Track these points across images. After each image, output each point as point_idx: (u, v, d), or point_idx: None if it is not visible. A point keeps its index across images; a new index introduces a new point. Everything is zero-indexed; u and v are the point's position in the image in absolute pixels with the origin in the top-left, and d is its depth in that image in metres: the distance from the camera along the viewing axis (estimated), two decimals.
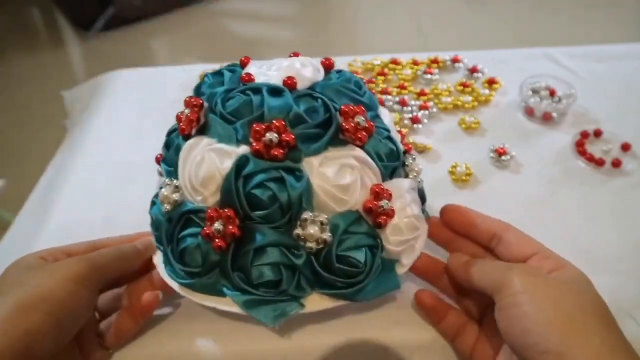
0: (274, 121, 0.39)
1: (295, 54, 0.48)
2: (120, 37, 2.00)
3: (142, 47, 1.99)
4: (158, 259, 0.46)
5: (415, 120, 0.69)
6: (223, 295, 0.42)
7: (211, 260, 0.41)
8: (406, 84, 0.76)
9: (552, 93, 0.71)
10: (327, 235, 0.39)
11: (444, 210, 0.48)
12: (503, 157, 0.63)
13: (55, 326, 0.37)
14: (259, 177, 0.39)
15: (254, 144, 0.39)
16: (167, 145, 0.46)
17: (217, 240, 0.40)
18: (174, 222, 0.42)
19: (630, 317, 0.47)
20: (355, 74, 0.48)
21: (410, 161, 0.48)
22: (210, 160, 0.40)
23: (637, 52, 0.81)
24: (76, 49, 2.05)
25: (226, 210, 0.40)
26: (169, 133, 0.47)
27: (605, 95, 0.73)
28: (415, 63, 0.80)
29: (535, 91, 0.71)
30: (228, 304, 0.41)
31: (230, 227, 0.39)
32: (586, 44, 0.83)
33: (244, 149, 0.40)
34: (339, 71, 0.47)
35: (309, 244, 0.40)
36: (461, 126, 0.69)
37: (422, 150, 0.65)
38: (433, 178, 0.61)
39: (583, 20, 2.02)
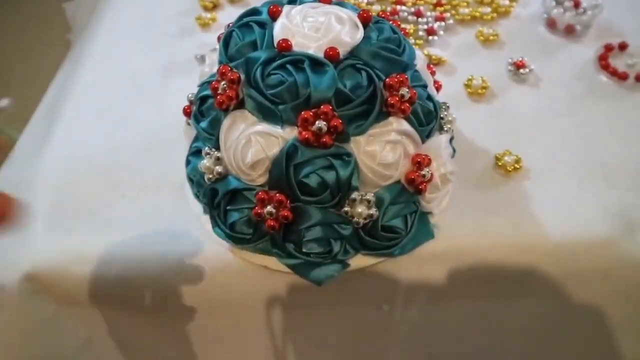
0: (322, 107, 0.38)
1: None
2: None
3: None
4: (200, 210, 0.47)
5: (430, 32, 0.66)
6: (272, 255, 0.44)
7: (262, 231, 0.43)
8: None
9: (576, 4, 0.67)
10: (373, 211, 0.41)
11: None
12: (521, 71, 0.60)
13: None
14: (309, 167, 0.40)
15: (303, 133, 0.39)
16: (201, 111, 0.45)
17: (269, 221, 0.41)
18: (220, 195, 0.43)
19: None
20: (395, 24, 0.45)
21: (445, 113, 0.48)
22: (257, 145, 0.40)
23: None
24: None
25: (277, 194, 0.40)
26: (201, 99, 0.44)
27: (632, 7, 0.69)
28: None
29: (558, 2, 0.67)
30: (278, 264, 0.44)
31: (282, 210, 0.40)
32: None
33: (290, 132, 0.40)
34: (376, 22, 0.44)
35: (357, 219, 0.41)
36: (479, 39, 0.66)
37: (437, 62, 0.62)
38: (448, 91, 0.58)
39: None
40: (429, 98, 0.45)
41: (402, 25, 0.67)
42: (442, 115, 0.47)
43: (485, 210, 0.48)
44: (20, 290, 0.46)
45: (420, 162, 0.42)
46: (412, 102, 0.41)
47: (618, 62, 0.62)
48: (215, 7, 0.72)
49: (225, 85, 0.41)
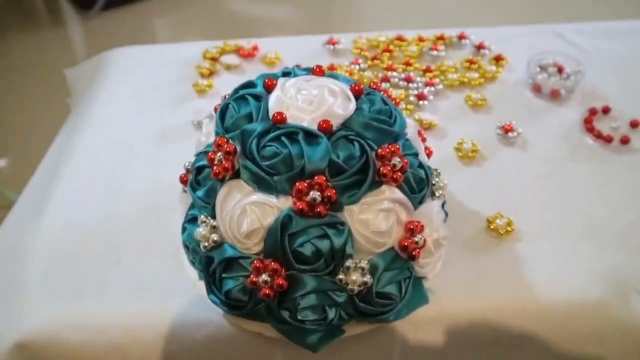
0: (315, 177, 0.40)
1: (319, 70, 0.46)
2: (121, 17, 1.98)
3: (143, 26, 1.96)
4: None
5: (420, 97, 0.68)
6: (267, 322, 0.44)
7: (257, 298, 0.43)
8: (412, 60, 0.75)
9: (559, 70, 0.70)
10: (367, 278, 0.41)
11: None
12: (510, 134, 0.62)
13: None
14: (304, 236, 0.41)
15: (297, 203, 0.40)
16: (197, 180, 0.46)
17: (264, 289, 0.41)
18: (215, 263, 0.43)
19: (635, 290, 0.47)
20: (386, 95, 0.47)
21: (437, 179, 0.49)
22: (252, 215, 0.41)
23: None
24: (77, 28, 2.03)
25: (272, 263, 0.41)
26: (198, 169, 0.46)
27: (614, 72, 0.72)
28: (421, 40, 0.79)
29: (542, 68, 0.70)
30: (272, 331, 0.44)
31: (277, 279, 0.41)
32: (594, 20, 0.82)
33: (284, 202, 0.41)
34: (367, 93, 0.46)
35: (351, 287, 0.41)
36: (468, 103, 0.68)
37: (427, 127, 0.64)
38: (439, 155, 0.60)
39: None
40: (421, 165, 0.46)
41: (393, 91, 0.69)
42: (433, 182, 0.48)
43: (478, 274, 0.49)
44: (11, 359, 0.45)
45: (412, 229, 0.43)
46: (404, 171, 0.42)
47: (602, 125, 0.64)
48: (211, 74, 0.75)
49: (221, 157, 0.42)
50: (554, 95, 0.68)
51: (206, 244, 0.44)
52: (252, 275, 0.41)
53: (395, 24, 0.88)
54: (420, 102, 0.67)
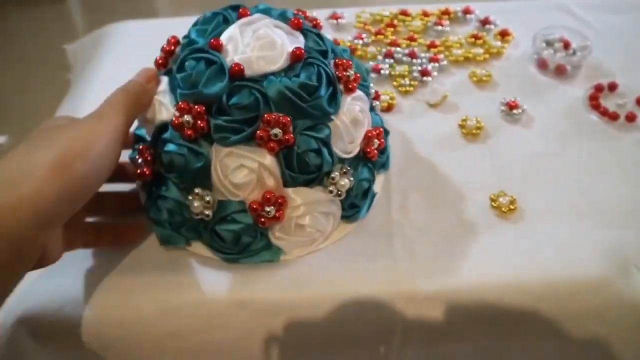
0: (195, 106, 0.43)
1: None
2: None
3: (144, 0, 1.94)
4: None
5: (424, 73, 0.67)
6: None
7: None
8: (416, 35, 0.73)
9: (566, 45, 0.69)
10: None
11: None
12: (514, 111, 0.61)
13: (95, 179, 0.39)
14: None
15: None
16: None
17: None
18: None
19: (637, 268, 0.47)
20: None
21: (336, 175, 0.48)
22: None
23: None
24: (77, 2, 2.01)
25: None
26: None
27: (621, 48, 0.71)
28: (425, 14, 0.77)
29: (548, 43, 0.69)
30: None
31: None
32: None
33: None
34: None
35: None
36: (472, 79, 0.67)
37: (432, 105, 0.64)
38: (442, 131, 0.60)
39: None
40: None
41: (397, 67, 0.68)
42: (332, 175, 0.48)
43: (480, 251, 0.49)
44: (14, 334, 0.45)
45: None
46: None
47: (608, 102, 0.63)
48: None
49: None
50: (560, 71, 0.67)
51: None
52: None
53: None
54: (424, 78, 0.66)
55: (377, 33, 0.74)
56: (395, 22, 0.76)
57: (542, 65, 0.68)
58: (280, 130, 0.42)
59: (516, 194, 0.52)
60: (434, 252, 0.49)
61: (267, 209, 0.44)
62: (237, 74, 0.43)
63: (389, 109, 0.63)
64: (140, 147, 0.47)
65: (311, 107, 0.44)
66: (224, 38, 0.46)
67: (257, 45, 0.45)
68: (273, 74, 0.44)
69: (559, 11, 0.77)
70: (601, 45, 0.69)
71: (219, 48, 0.45)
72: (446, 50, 0.71)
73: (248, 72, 0.44)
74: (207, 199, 0.44)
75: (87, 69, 0.73)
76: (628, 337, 0.47)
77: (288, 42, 0.45)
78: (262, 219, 0.44)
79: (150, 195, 0.48)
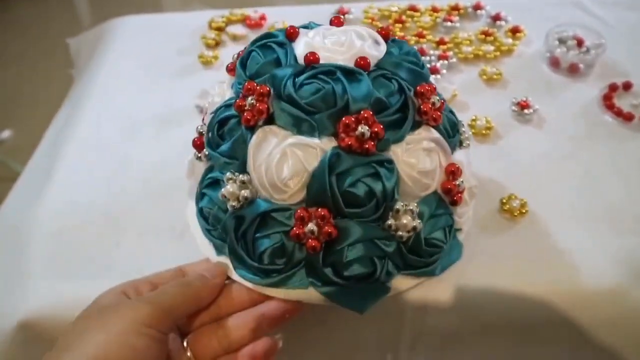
0: (362, 112, 0.37)
1: (337, 21, 0.44)
2: None
3: None
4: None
5: (433, 71, 0.65)
6: (304, 287, 0.40)
7: (297, 259, 0.39)
8: (425, 32, 0.72)
9: (579, 43, 0.67)
10: (417, 223, 0.39)
11: None
12: (526, 111, 0.60)
13: None
14: (355, 175, 0.38)
15: (346, 139, 0.37)
16: (220, 134, 0.42)
17: (310, 240, 0.38)
18: (247, 222, 0.39)
19: None
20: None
21: (463, 129, 0.47)
22: (294, 157, 0.38)
23: None
24: None
25: (319, 209, 0.37)
26: (220, 122, 0.42)
27: (637, 46, 0.69)
28: (434, 10, 0.76)
29: (561, 41, 0.67)
30: (313, 295, 0.40)
31: (326, 226, 0.38)
32: None
33: (327, 143, 0.38)
34: (393, 40, 0.44)
35: (401, 233, 0.39)
36: (482, 77, 0.66)
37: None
38: None
39: None
40: (450, 111, 0.45)
41: None
42: (460, 131, 0.46)
43: (490, 257, 0.47)
44: (14, 339, 0.45)
45: (454, 172, 0.41)
46: (442, 110, 0.41)
47: (623, 102, 0.61)
48: (217, 44, 0.73)
49: (253, 100, 0.39)
50: (573, 70, 0.65)
51: (235, 203, 0.39)
52: (295, 228, 0.38)
53: None
54: (433, 76, 0.65)
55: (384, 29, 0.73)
56: (404, 17, 0.75)
57: (554, 63, 0.66)
58: (437, 98, 0.40)
59: (527, 197, 0.51)
60: None
61: (458, 182, 0.41)
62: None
63: None
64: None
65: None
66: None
67: (332, 40, 0.42)
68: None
69: (573, 7, 0.76)
70: (616, 43, 0.68)
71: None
72: (455, 47, 0.70)
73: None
74: (412, 209, 0.39)
75: (90, 64, 0.72)
76: None
77: (367, 47, 0.41)
78: (456, 196, 0.42)
79: (325, 260, 0.39)
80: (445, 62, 0.67)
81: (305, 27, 0.45)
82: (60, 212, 0.52)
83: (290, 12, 0.78)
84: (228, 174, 0.40)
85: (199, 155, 0.44)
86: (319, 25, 0.45)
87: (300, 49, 0.41)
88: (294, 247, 0.39)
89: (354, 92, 0.37)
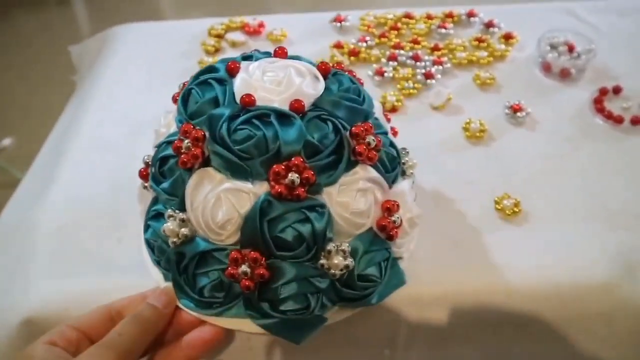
0: (292, 159, 0.38)
1: (281, 52, 0.45)
2: None
3: (148, 3, 1.95)
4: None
5: (428, 76, 0.67)
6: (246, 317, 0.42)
7: (235, 293, 0.41)
8: (420, 38, 0.74)
9: (570, 48, 0.69)
10: (349, 262, 0.40)
11: None
12: (518, 114, 0.61)
13: None
14: (284, 221, 0.39)
15: (276, 187, 0.38)
16: (162, 172, 0.43)
17: (244, 281, 0.39)
18: (187, 259, 0.41)
19: None
20: (351, 75, 0.46)
21: (406, 159, 0.47)
22: (228, 203, 0.39)
23: None
24: (82, 5, 2.01)
25: (251, 252, 0.39)
26: (162, 160, 0.43)
27: (627, 51, 0.71)
28: (429, 17, 0.77)
29: (553, 46, 0.69)
30: (252, 327, 0.42)
31: (258, 269, 0.39)
32: None
33: (259, 187, 0.39)
34: (334, 74, 0.45)
35: (333, 271, 0.40)
36: (476, 82, 0.67)
37: (436, 108, 0.64)
38: (446, 134, 0.60)
39: None
40: (391, 144, 0.45)
41: (401, 69, 0.68)
42: (403, 161, 0.47)
43: (484, 254, 0.49)
44: (18, 336, 0.45)
45: (390, 208, 0.42)
46: (378, 149, 0.41)
47: (613, 106, 0.63)
48: (217, 51, 0.74)
49: (189, 144, 0.39)
50: (564, 74, 0.67)
51: (175, 240, 0.41)
52: (229, 268, 0.39)
53: (403, 1, 0.87)
54: (428, 81, 0.66)
55: (381, 36, 0.74)
56: (399, 24, 0.76)
57: (546, 68, 0.68)
58: (372, 137, 0.40)
59: (520, 196, 0.52)
60: (438, 254, 0.49)
61: (394, 218, 0.42)
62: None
63: (394, 110, 0.63)
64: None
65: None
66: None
67: (270, 78, 0.42)
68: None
69: (564, 14, 0.77)
70: (606, 48, 0.69)
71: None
72: (450, 53, 0.71)
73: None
74: (344, 249, 0.40)
75: (91, 71, 0.73)
76: (635, 342, 0.47)
77: (305, 86, 0.41)
78: (392, 232, 0.42)
79: (261, 296, 0.41)
80: (440, 67, 0.69)
81: (249, 57, 0.45)
82: (62, 210, 0.53)
83: (288, 19, 0.80)
84: (169, 211, 0.41)
85: (145, 185, 0.46)
86: (263, 55, 0.45)
87: (238, 86, 0.41)
88: (231, 283, 0.41)
89: (286, 137, 0.38)
